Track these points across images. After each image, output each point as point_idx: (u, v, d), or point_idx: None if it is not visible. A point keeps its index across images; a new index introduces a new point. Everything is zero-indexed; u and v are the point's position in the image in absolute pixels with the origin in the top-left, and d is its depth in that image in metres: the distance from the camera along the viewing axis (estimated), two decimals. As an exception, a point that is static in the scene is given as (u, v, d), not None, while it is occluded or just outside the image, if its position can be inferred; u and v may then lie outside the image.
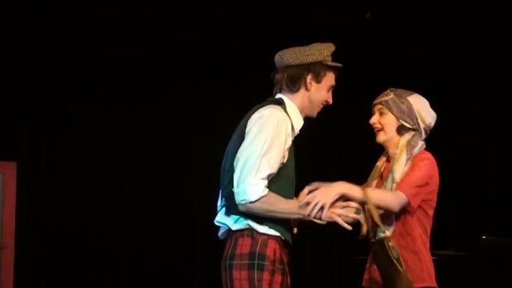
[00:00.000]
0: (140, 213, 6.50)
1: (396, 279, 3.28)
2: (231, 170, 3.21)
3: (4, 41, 6.30)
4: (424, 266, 3.42)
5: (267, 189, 3.14)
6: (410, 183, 3.39)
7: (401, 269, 3.28)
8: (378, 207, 3.34)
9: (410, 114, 3.52)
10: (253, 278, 3.14)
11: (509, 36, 6.61)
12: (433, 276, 3.45)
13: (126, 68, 6.56)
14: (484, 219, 6.50)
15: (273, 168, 3.17)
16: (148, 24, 6.53)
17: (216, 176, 3.42)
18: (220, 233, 3.32)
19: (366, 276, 3.56)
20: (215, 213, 3.31)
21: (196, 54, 6.65)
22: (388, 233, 3.36)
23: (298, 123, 3.34)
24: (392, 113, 3.52)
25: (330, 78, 3.39)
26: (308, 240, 6.51)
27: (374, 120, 3.56)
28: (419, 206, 3.42)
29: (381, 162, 3.59)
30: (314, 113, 3.40)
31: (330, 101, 3.43)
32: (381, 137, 3.56)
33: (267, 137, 3.17)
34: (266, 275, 3.15)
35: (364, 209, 3.31)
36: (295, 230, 3.35)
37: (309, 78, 3.34)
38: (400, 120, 3.51)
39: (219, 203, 3.31)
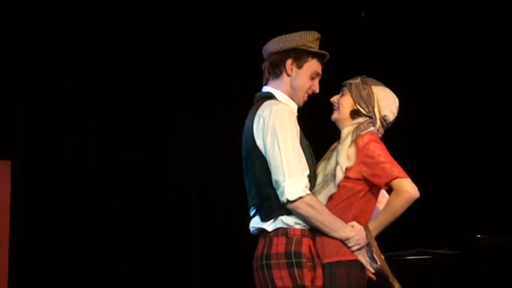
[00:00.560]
0: (137, 212, 6.51)
1: None
2: (257, 183, 3.24)
3: (-2, 40, 6.32)
4: None
5: (308, 190, 3.19)
6: (386, 168, 3.36)
7: None
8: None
9: (368, 101, 3.50)
10: (294, 275, 3.17)
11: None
12: None
13: (122, 67, 6.56)
14: (479, 218, 6.51)
15: (304, 162, 3.21)
16: (139, 22, 6.54)
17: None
18: (252, 230, 3.36)
19: None
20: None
21: (193, 54, 6.66)
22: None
23: (294, 107, 3.35)
24: (351, 96, 3.51)
25: (312, 65, 3.39)
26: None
27: (333, 98, 3.56)
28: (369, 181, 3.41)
29: (334, 145, 3.56)
30: (300, 101, 3.39)
31: (316, 89, 3.43)
32: (333, 115, 3.54)
33: (286, 135, 3.19)
34: (306, 272, 3.19)
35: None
36: None
37: (288, 62, 3.35)
38: (356, 104, 3.49)
39: (251, 214, 3.35)
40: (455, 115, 6.82)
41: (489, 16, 6.54)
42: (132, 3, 6.36)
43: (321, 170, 3.42)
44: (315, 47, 3.38)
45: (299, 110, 3.38)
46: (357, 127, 3.45)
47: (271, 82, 3.39)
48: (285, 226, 3.22)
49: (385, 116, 3.53)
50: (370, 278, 3.38)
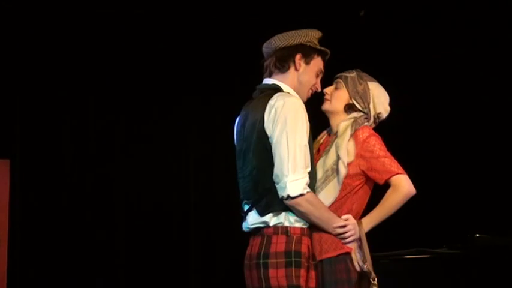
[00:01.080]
0: (137, 210, 6.50)
1: None
2: (257, 173, 3.21)
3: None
4: None
5: (308, 188, 3.16)
6: (386, 163, 3.37)
7: None
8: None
9: (364, 96, 3.50)
10: (291, 275, 3.15)
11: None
12: None
13: (121, 67, 6.55)
14: (478, 217, 6.51)
15: (308, 159, 3.19)
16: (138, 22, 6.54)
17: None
18: (245, 229, 3.33)
19: None
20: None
21: (191, 53, 6.66)
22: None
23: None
24: (347, 90, 3.51)
25: (318, 62, 3.40)
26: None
27: (327, 90, 3.55)
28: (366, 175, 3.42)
29: (320, 136, 3.56)
30: (304, 97, 3.37)
31: (319, 87, 3.43)
32: (325, 105, 3.53)
33: (296, 130, 3.16)
34: (303, 272, 3.17)
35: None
36: None
37: (298, 57, 3.35)
38: (352, 99, 3.50)
39: (244, 208, 3.31)
40: (456, 113, 6.82)
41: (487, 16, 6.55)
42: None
43: (319, 165, 3.39)
44: (318, 44, 3.40)
45: None
46: (353, 121, 3.45)
47: (276, 76, 3.38)
48: (286, 224, 3.20)
49: (379, 113, 3.54)
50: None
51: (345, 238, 3.28)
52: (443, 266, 4.98)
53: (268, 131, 3.19)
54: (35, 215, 6.33)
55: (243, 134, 3.32)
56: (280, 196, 3.15)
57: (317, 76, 3.41)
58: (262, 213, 3.22)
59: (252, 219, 3.26)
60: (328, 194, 3.34)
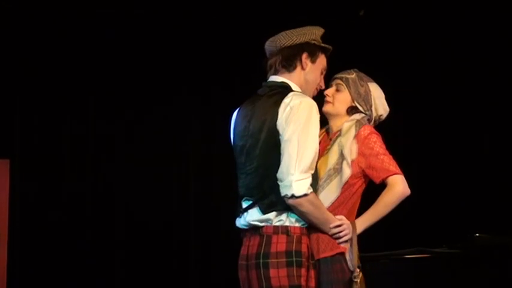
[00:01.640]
0: (136, 211, 6.50)
1: None
2: (264, 171, 3.20)
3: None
4: None
5: (312, 188, 3.15)
6: (385, 161, 3.37)
7: None
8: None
9: (366, 99, 3.51)
10: (292, 275, 3.14)
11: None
12: None
13: (122, 67, 6.55)
14: (478, 216, 6.50)
15: (315, 162, 3.18)
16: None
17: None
18: (241, 226, 3.31)
19: None
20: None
21: (190, 52, 6.66)
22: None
23: None
24: (349, 92, 3.51)
25: (322, 60, 3.39)
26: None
27: (328, 92, 3.54)
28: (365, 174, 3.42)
29: (321, 135, 3.54)
30: (310, 95, 3.35)
31: (323, 85, 3.44)
32: (327, 107, 3.53)
33: (309, 131, 3.15)
34: (303, 271, 3.16)
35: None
36: None
37: (304, 56, 3.34)
38: (355, 102, 3.50)
39: (243, 205, 3.29)
40: (456, 113, 6.81)
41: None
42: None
43: (321, 164, 3.39)
44: (321, 41, 3.40)
45: None
46: (356, 121, 3.45)
47: (283, 74, 3.36)
48: (286, 223, 3.19)
49: (381, 115, 3.55)
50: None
51: (340, 238, 3.29)
52: (443, 265, 4.98)
53: (280, 128, 3.17)
54: (34, 214, 6.33)
55: (248, 130, 3.29)
56: (283, 194, 3.13)
57: (321, 74, 3.41)
58: (265, 211, 3.20)
59: (252, 216, 3.24)
60: (330, 193, 3.35)
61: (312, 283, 3.22)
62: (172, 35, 6.61)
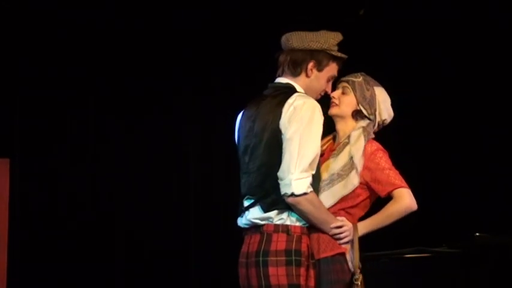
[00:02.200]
0: (137, 209, 6.50)
1: None
2: (267, 170, 3.20)
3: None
4: None
5: (312, 188, 3.16)
6: (391, 175, 3.39)
7: None
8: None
9: (371, 103, 3.52)
10: (291, 273, 3.15)
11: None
12: None
13: (122, 67, 6.55)
14: (478, 216, 6.50)
15: (316, 162, 3.19)
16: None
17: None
18: (242, 225, 3.32)
19: None
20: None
21: (190, 52, 6.66)
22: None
23: None
24: (355, 96, 3.52)
25: (332, 68, 3.39)
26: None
27: (334, 94, 3.55)
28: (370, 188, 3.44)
29: (324, 141, 3.54)
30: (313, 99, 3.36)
31: (329, 91, 3.44)
32: (333, 110, 3.53)
33: (311, 131, 3.17)
34: (303, 271, 3.17)
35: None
36: None
37: (310, 65, 3.34)
38: (360, 105, 3.51)
39: (245, 204, 3.30)
40: (456, 113, 6.81)
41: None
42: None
43: (325, 167, 3.41)
44: (336, 50, 3.38)
45: None
46: (364, 129, 3.46)
47: (288, 76, 3.37)
48: (287, 222, 3.20)
49: (385, 120, 3.56)
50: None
51: (340, 239, 3.30)
52: (443, 265, 4.98)
53: (283, 128, 3.18)
54: (34, 214, 6.33)
55: (252, 129, 3.30)
56: (283, 193, 3.15)
57: (328, 81, 3.41)
58: (266, 210, 3.22)
59: (253, 215, 3.26)
60: (330, 196, 3.35)
61: (311, 282, 3.23)
62: (173, 35, 6.61)
